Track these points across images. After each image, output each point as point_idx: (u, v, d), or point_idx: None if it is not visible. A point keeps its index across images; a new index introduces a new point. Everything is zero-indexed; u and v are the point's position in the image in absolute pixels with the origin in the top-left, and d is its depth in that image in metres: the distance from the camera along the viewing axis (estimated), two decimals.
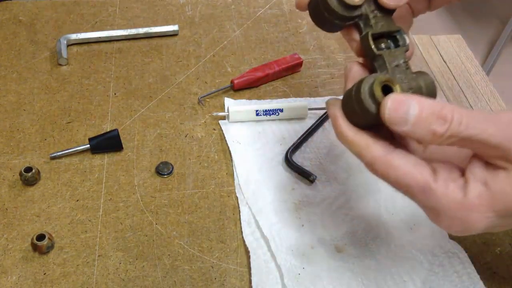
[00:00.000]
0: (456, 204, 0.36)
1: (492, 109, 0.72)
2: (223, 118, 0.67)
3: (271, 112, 0.66)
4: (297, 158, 0.63)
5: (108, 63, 0.74)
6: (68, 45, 0.75)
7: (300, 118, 0.68)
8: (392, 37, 0.41)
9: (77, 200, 0.58)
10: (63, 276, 0.52)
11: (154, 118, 0.67)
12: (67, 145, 0.63)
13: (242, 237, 0.56)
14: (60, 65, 0.73)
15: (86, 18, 0.80)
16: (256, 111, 0.66)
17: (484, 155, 0.37)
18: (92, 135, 0.64)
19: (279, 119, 0.67)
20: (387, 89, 0.36)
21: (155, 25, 0.79)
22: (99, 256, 0.54)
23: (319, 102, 0.70)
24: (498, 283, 0.54)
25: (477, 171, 0.37)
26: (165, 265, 0.53)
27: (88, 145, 0.62)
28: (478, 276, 0.53)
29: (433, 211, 0.38)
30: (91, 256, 0.54)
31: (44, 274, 0.52)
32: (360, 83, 0.36)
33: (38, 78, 0.71)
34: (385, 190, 0.61)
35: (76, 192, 0.59)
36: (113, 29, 0.78)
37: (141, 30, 0.78)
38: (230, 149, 0.63)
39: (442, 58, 0.81)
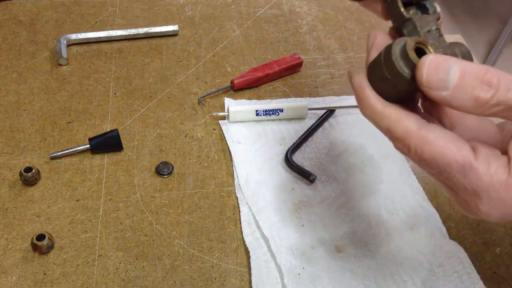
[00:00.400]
0: (500, 184, 0.32)
1: None
2: (223, 118, 0.67)
3: (271, 112, 0.66)
4: (297, 158, 0.63)
5: (108, 63, 0.74)
6: (68, 45, 0.75)
7: (300, 118, 0.68)
8: (422, 5, 0.38)
9: (77, 200, 0.58)
10: (63, 276, 0.52)
11: (154, 118, 0.67)
12: (67, 145, 0.63)
13: (242, 237, 0.56)
14: (60, 65, 0.73)
15: (86, 18, 0.80)
16: (256, 111, 0.66)
17: None
18: (92, 135, 0.64)
19: (279, 119, 0.67)
20: (420, 53, 0.33)
21: (155, 25, 0.79)
22: (99, 256, 0.54)
23: (319, 102, 0.70)
24: (498, 283, 0.54)
25: None
26: (165, 265, 0.53)
27: (88, 145, 0.62)
28: (478, 276, 0.53)
29: (473, 193, 0.34)
30: (91, 256, 0.54)
31: (44, 274, 0.52)
32: (389, 46, 0.33)
33: (38, 78, 0.71)
34: (385, 190, 0.61)
35: (76, 192, 0.59)
36: (113, 29, 0.78)
37: (141, 30, 0.77)
38: (230, 149, 0.63)
39: None
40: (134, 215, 0.57)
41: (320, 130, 0.67)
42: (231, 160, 0.63)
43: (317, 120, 0.67)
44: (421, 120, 0.34)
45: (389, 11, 0.37)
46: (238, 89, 0.71)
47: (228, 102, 0.69)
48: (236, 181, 0.61)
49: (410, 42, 0.32)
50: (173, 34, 0.79)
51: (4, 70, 0.72)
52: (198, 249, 0.55)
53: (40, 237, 0.52)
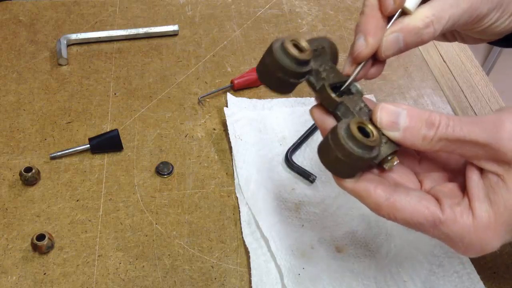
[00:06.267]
0: (468, 229, 0.36)
1: (492, 109, 0.72)
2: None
3: None
4: (297, 158, 0.63)
5: (108, 63, 0.74)
6: (68, 45, 0.75)
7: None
8: (345, 87, 0.42)
9: (77, 200, 0.58)
10: (63, 276, 0.52)
11: (154, 118, 0.67)
12: (67, 145, 0.63)
13: (242, 237, 0.56)
14: (60, 65, 0.73)
15: (86, 18, 0.80)
16: None
17: (475, 159, 0.37)
18: (92, 135, 0.64)
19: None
20: (361, 131, 0.36)
21: (155, 25, 0.79)
22: (99, 256, 0.54)
23: None
24: (498, 283, 0.54)
25: (476, 187, 0.37)
26: (165, 265, 0.53)
27: (88, 145, 0.62)
28: (478, 276, 0.53)
29: (449, 241, 0.38)
30: (91, 256, 0.54)
31: (44, 274, 0.52)
32: (335, 131, 0.36)
33: (38, 78, 0.71)
34: None
35: (76, 192, 0.59)
36: (113, 29, 0.78)
37: (141, 30, 0.77)
38: (232, 145, 0.63)
39: (442, 58, 0.81)
40: (134, 215, 0.57)
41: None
42: (231, 159, 0.63)
43: None
44: (389, 188, 0.38)
45: (321, 98, 0.41)
46: (238, 89, 0.71)
47: (230, 99, 0.69)
48: (236, 181, 0.61)
49: (352, 125, 0.36)
50: (173, 34, 0.79)
51: (4, 70, 0.72)
52: (198, 249, 0.55)
53: (40, 237, 0.52)
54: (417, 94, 0.74)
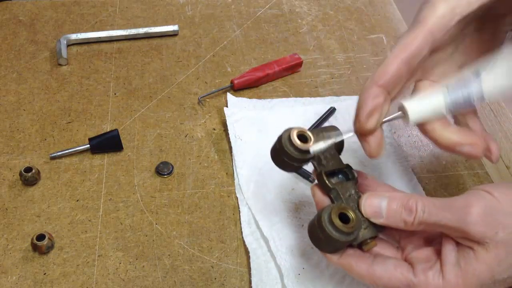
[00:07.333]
0: None
1: (492, 109, 0.72)
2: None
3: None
4: None
5: (108, 63, 0.74)
6: (68, 45, 0.75)
7: None
8: (343, 172, 0.48)
9: (77, 200, 0.58)
10: (63, 276, 0.52)
11: (154, 118, 0.67)
12: (67, 145, 0.63)
13: (242, 237, 0.56)
14: (60, 65, 0.73)
15: (86, 18, 0.80)
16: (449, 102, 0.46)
17: (450, 235, 0.42)
18: (92, 135, 0.64)
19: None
20: (343, 217, 0.42)
21: (155, 25, 0.79)
22: (99, 256, 0.54)
23: (319, 102, 0.70)
24: None
25: (449, 254, 0.42)
26: (165, 265, 0.53)
27: (88, 145, 0.62)
28: None
29: None
30: (91, 256, 0.54)
31: (44, 274, 0.52)
32: (320, 215, 0.42)
33: (38, 78, 0.71)
34: None
35: (76, 192, 0.59)
36: (113, 29, 0.78)
37: (141, 30, 0.78)
38: (232, 145, 0.63)
39: None
40: (134, 215, 0.57)
41: None
42: (231, 160, 0.63)
43: (317, 120, 0.67)
44: (368, 260, 0.44)
45: (318, 181, 0.47)
46: (238, 89, 0.71)
47: (230, 99, 0.69)
48: (236, 181, 0.61)
49: (334, 212, 0.42)
50: (173, 34, 0.79)
51: (4, 70, 0.72)
52: (198, 249, 0.55)
53: (40, 237, 0.52)
54: None
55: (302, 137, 0.45)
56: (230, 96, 0.69)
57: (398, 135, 0.68)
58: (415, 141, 0.68)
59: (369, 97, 0.45)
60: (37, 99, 0.68)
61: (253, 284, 0.52)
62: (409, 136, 0.68)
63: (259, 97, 0.71)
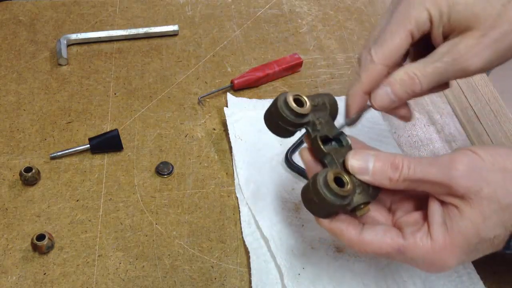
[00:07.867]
0: (428, 250, 0.42)
1: (492, 109, 0.72)
2: None
3: None
4: (297, 158, 0.63)
5: (108, 63, 0.74)
6: (68, 45, 0.75)
7: None
8: (337, 139, 0.47)
9: (77, 200, 0.58)
10: (63, 276, 0.52)
11: (154, 118, 0.67)
12: (67, 145, 0.63)
13: (242, 237, 0.56)
14: (60, 65, 0.73)
15: (86, 18, 0.80)
16: None
17: (435, 194, 0.42)
18: (92, 135, 0.64)
19: None
20: (338, 181, 0.42)
21: (155, 25, 0.79)
22: (99, 256, 0.54)
23: None
24: (498, 283, 0.54)
25: (435, 214, 0.42)
26: (165, 265, 0.53)
27: (88, 145, 0.62)
28: (478, 276, 0.53)
29: (414, 263, 0.44)
30: (91, 256, 0.54)
31: (44, 274, 0.52)
32: (315, 178, 0.42)
33: (38, 78, 0.71)
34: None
35: (76, 192, 0.59)
36: (113, 29, 0.78)
37: (141, 30, 0.78)
38: (232, 145, 0.63)
39: None
40: (134, 215, 0.57)
41: None
42: (232, 160, 0.63)
43: None
44: (359, 226, 0.44)
45: (312, 147, 0.46)
46: (238, 89, 0.71)
47: (230, 99, 0.69)
48: (236, 181, 0.61)
49: (330, 175, 0.41)
50: (173, 34, 0.79)
51: (4, 70, 0.72)
52: (198, 249, 0.55)
53: (40, 237, 0.52)
54: None
55: (298, 101, 0.44)
56: (230, 96, 0.69)
57: (398, 135, 0.68)
58: (415, 141, 0.68)
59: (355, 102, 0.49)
60: (37, 99, 0.68)
61: (253, 284, 0.52)
62: (409, 136, 0.68)
63: (259, 97, 0.71)
